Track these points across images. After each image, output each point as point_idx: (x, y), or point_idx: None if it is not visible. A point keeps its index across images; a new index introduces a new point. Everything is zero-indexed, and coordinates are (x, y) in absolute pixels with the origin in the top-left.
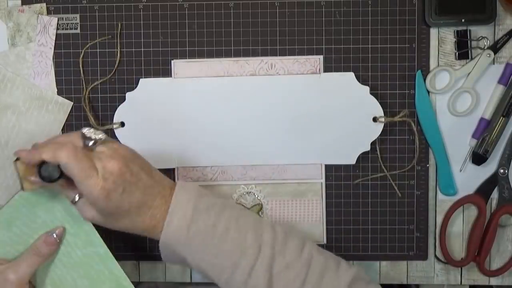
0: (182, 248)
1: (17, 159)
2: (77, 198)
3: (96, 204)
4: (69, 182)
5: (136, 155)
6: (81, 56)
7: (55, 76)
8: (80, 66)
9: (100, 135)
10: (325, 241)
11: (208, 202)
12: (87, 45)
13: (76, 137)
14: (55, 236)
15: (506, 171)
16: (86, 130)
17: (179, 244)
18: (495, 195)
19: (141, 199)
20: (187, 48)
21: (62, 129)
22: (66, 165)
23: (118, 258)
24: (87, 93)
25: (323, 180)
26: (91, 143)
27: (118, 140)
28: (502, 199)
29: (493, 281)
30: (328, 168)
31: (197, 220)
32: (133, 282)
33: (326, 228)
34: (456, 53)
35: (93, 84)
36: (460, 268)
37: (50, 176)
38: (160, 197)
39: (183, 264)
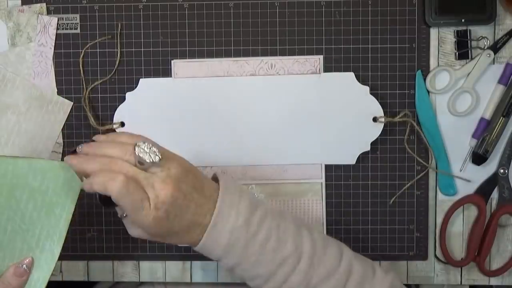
0: (219, 253)
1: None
2: (125, 214)
3: (146, 230)
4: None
5: (188, 169)
6: (81, 56)
7: (55, 76)
8: (80, 66)
9: (156, 158)
10: None
11: (250, 208)
12: (87, 45)
13: (130, 154)
14: (24, 267)
15: (506, 171)
16: (140, 151)
17: (217, 251)
18: (495, 195)
19: (191, 220)
20: (187, 48)
21: (62, 129)
22: (117, 199)
23: (118, 258)
24: (87, 93)
25: (323, 180)
26: (145, 165)
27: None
28: (502, 199)
29: (493, 281)
30: (328, 168)
31: (238, 231)
32: (133, 282)
33: (326, 228)
34: (456, 53)
35: (93, 84)
36: (460, 268)
37: (107, 204)
38: (210, 214)
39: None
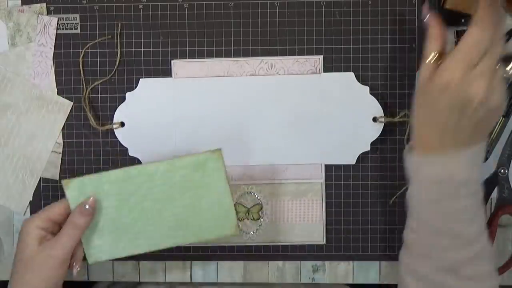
0: (431, 178)
1: None
2: (432, 54)
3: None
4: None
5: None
6: (81, 56)
7: (55, 76)
8: (80, 66)
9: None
10: (325, 241)
11: (476, 179)
12: (88, 45)
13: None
14: (87, 207)
15: (506, 171)
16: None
17: (433, 175)
18: (495, 195)
19: (468, 122)
20: (187, 48)
21: (62, 129)
22: None
23: (118, 258)
24: (87, 93)
25: (323, 180)
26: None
27: None
28: (502, 199)
29: None
30: (328, 168)
31: (457, 181)
32: (133, 282)
33: (326, 228)
34: None
35: (93, 84)
36: None
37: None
38: (464, 139)
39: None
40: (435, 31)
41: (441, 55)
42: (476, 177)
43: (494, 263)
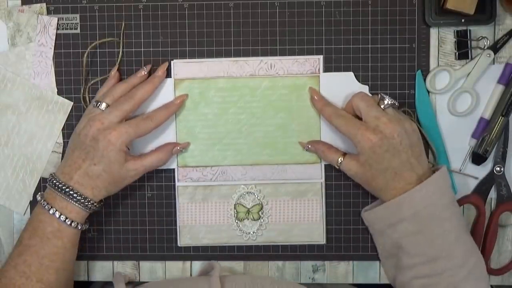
0: (407, 214)
1: None
2: (340, 160)
3: (361, 154)
4: (332, 148)
5: (416, 132)
6: (86, 54)
7: (55, 76)
8: (83, 65)
9: (396, 103)
10: (325, 241)
11: (454, 201)
12: (93, 44)
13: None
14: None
15: (502, 169)
16: (387, 97)
17: (408, 211)
18: (493, 194)
19: (398, 168)
20: (187, 48)
21: (62, 129)
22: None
23: (118, 258)
24: (86, 91)
25: (323, 180)
26: (385, 104)
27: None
28: (501, 197)
29: (493, 281)
30: (328, 168)
31: (435, 207)
32: (133, 282)
33: (326, 228)
34: (456, 53)
35: (93, 81)
36: None
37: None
38: (416, 176)
39: (378, 233)
40: (324, 147)
41: (344, 154)
42: (450, 199)
43: (487, 280)
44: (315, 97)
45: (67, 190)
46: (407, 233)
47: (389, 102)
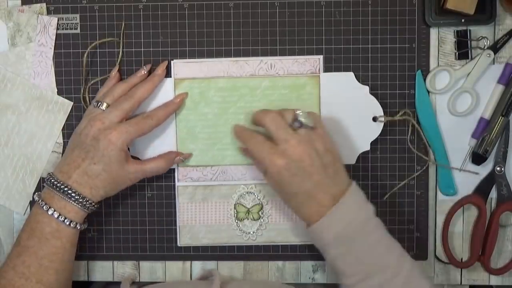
0: (330, 238)
1: None
2: (263, 175)
3: (270, 177)
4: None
5: (329, 149)
6: (86, 54)
7: (55, 76)
8: (83, 65)
9: (310, 124)
10: None
11: (372, 213)
12: (93, 44)
13: (290, 112)
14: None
15: (502, 168)
16: (300, 112)
17: (329, 235)
18: (494, 193)
19: (310, 190)
20: (187, 48)
21: (62, 129)
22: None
23: (118, 258)
24: (87, 91)
25: None
26: (297, 125)
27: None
28: (501, 197)
29: (493, 281)
30: None
31: (356, 225)
32: (132, 282)
33: None
34: (456, 53)
35: (93, 81)
36: (460, 268)
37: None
38: (330, 197)
39: (320, 250)
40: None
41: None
42: (367, 212)
43: (429, 278)
44: (236, 131)
45: (65, 189)
46: (337, 255)
47: (301, 121)
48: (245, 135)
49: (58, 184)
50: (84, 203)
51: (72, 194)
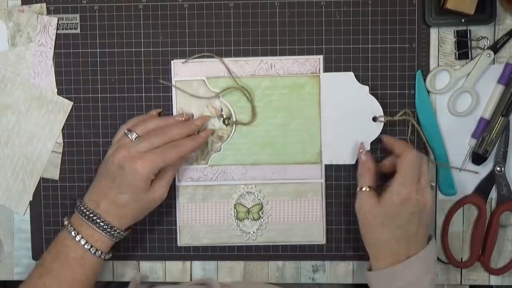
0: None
1: None
2: (364, 188)
3: (389, 195)
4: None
5: (428, 217)
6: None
7: (55, 76)
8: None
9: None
10: (325, 241)
11: (433, 277)
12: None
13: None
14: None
15: (502, 168)
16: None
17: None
18: (494, 193)
19: (405, 236)
20: (187, 48)
21: (62, 129)
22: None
23: (118, 258)
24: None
25: (323, 180)
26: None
27: None
28: (501, 197)
29: (493, 281)
30: (328, 168)
31: (416, 284)
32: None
33: (326, 228)
34: (456, 53)
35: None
36: (460, 268)
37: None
38: (407, 251)
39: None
40: (368, 166)
41: (371, 187)
42: (432, 275)
43: None
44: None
45: (94, 217)
46: None
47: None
48: (403, 144)
49: (87, 212)
50: (112, 232)
51: (101, 224)
